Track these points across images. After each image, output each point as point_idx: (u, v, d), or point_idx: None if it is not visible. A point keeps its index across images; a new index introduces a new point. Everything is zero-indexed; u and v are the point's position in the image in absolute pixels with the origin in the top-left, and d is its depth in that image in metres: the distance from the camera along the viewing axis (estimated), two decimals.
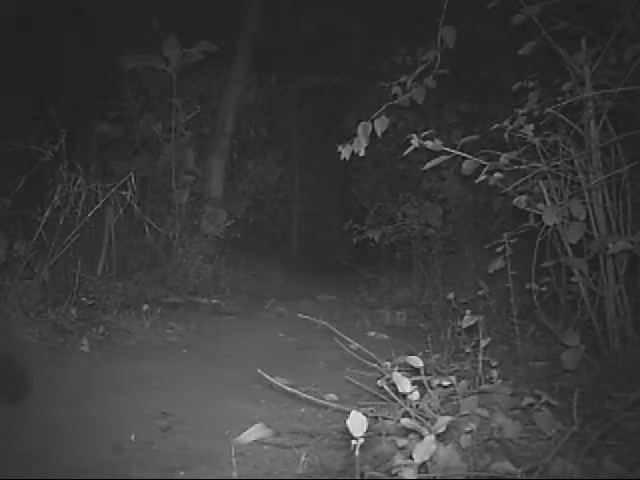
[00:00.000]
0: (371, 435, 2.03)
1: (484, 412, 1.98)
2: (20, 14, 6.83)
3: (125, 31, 7.01)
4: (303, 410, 2.83)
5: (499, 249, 3.31)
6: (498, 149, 2.96)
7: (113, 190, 4.91)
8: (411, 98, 3.06)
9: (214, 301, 5.88)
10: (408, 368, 2.11)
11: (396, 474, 1.59)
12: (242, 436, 2.42)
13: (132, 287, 5.49)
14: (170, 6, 6.96)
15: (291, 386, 2.27)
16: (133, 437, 2.39)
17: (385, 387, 2.11)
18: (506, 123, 2.95)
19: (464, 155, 2.88)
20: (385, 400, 2.44)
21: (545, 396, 1.99)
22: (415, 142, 2.76)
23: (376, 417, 2.13)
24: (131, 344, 4.21)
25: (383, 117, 2.89)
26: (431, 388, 2.20)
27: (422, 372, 2.10)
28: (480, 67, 6.06)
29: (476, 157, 2.91)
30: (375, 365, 2.45)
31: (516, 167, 2.95)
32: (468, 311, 2.85)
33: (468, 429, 1.86)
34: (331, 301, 6.28)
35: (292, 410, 2.85)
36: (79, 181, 4.66)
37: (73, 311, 4.24)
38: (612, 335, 2.97)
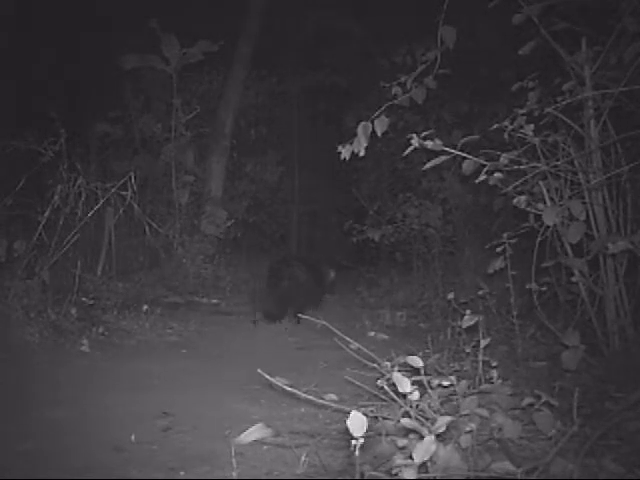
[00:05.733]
0: (371, 435, 2.03)
1: (484, 412, 1.98)
2: (20, 14, 6.83)
3: (125, 31, 7.02)
4: (303, 410, 2.83)
5: (499, 249, 3.31)
6: (498, 149, 2.96)
7: (113, 190, 4.90)
8: (411, 98, 3.06)
9: (214, 301, 5.88)
10: (408, 368, 2.11)
11: (396, 474, 1.59)
12: (242, 436, 2.42)
13: (132, 287, 5.49)
14: (170, 6, 6.97)
15: (291, 386, 2.27)
16: (133, 437, 2.39)
17: (385, 387, 2.11)
18: (506, 123, 2.94)
19: (464, 155, 2.88)
20: (385, 400, 2.44)
21: (545, 396, 1.99)
22: (415, 142, 2.76)
23: (376, 417, 2.13)
24: (131, 344, 4.21)
25: (383, 117, 2.89)
26: (431, 388, 2.20)
27: (422, 372, 2.10)
28: (480, 67, 6.06)
29: (476, 157, 2.91)
30: (375, 365, 2.45)
31: (516, 167, 2.95)
32: (468, 311, 2.84)
33: (468, 429, 1.86)
34: (331, 301, 6.28)
35: (292, 410, 2.85)
36: (79, 181, 4.66)
37: (73, 311, 4.24)
38: (612, 335, 2.97)
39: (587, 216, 2.97)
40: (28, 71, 6.97)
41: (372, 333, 4.64)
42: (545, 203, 3.09)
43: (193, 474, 2.11)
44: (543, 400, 1.99)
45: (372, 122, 2.89)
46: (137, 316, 4.64)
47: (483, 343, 2.50)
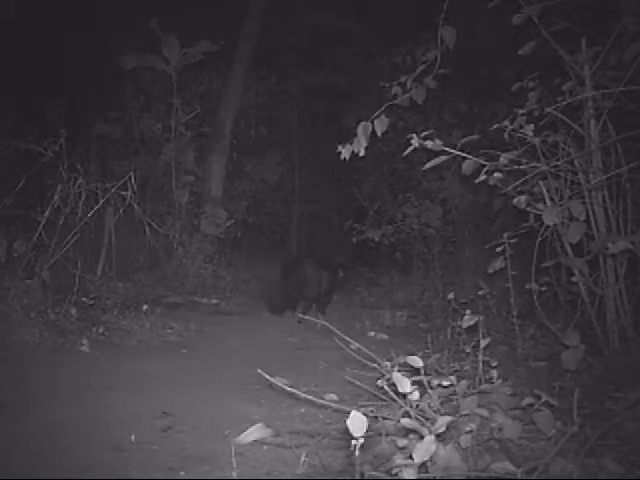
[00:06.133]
0: (371, 435, 2.03)
1: (484, 412, 1.98)
2: (20, 14, 6.83)
3: (125, 31, 7.01)
4: (303, 410, 2.83)
5: (499, 249, 3.31)
6: (498, 149, 2.96)
7: (113, 190, 4.90)
8: (411, 98, 3.06)
9: (214, 301, 5.88)
10: (408, 368, 2.11)
11: (396, 474, 1.59)
12: (242, 436, 2.42)
13: (132, 287, 5.49)
14: (170, 6, 6.96)
15: (291, 386, 2.27)
16: (133, 437, 2.39)
17: (385, 387, 2.11)
18: (506, 123, 2.95)
19: (464, 155, 2.88)
20: (385, 400, 2.44)
21: (545, 396, 1.99)
22: (415, 142, 2.76)
23: (376, 417, 2.13)
24: (131, 344, 4.21)
25: (383, 117, 2.89)
26: (431, 388, 2.20)
27: (422, 372, 2.10)
28: (480, 67, 6.06)
29: (476, 157, 2.91)
30: (375, 365, 2.45)
31: (516, 167, 2.95)
32: (468, 311, 2.84)
33: (468, 429, 1.86)
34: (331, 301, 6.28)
35: (292, 410, 2.85)
36: (79, 181, 4.66)
37: (73, 311, 4.24)
38: (612, 335, 2.97)
39: (587, 216, 2.97)
40: (28, 71, 6.97)
41: (372, 333, 4.64)
42: (545, 203, 3.09)
43: (193, 474, 2.11)
44: (543, 400, 1.99)
45: (372, 122, 2.88)
46: (137, 316, 4.64)
47: (483, 343, 2.50)
